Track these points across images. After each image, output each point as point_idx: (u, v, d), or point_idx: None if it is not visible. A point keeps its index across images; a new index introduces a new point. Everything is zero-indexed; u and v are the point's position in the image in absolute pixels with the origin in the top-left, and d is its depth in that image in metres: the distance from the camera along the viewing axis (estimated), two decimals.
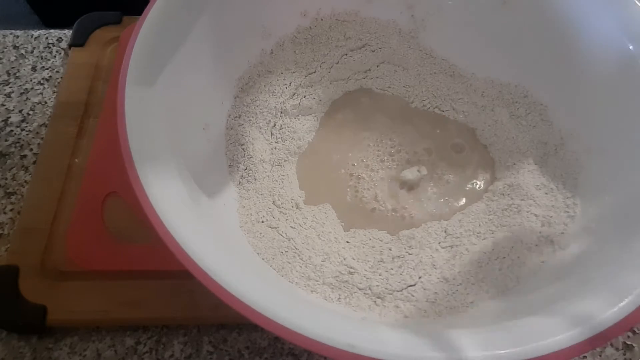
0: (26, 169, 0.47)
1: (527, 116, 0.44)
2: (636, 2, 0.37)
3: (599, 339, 0.25)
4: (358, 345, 0.23)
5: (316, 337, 0.24)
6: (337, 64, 0.48)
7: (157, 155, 0.31)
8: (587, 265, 0.32)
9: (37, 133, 0.49)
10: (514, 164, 0.42)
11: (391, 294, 0.34)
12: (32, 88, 0.52)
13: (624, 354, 0.39)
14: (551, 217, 0.37)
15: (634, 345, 0.39)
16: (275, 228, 0.38)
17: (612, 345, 0.39)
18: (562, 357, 0.24)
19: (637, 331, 0.40)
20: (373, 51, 0.49)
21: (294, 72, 0.47)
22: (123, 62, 0.33)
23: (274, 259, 0.35)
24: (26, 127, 0.49)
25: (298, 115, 0.46)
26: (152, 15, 0.36)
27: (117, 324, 0.39)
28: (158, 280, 0.39)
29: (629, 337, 0.40)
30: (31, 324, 0.38)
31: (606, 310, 0.26)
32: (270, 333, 0.39)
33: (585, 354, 0.39)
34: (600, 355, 0.39)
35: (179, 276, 0.39)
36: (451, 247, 0.38)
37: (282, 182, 0.41)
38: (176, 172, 0.32)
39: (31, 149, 0.48)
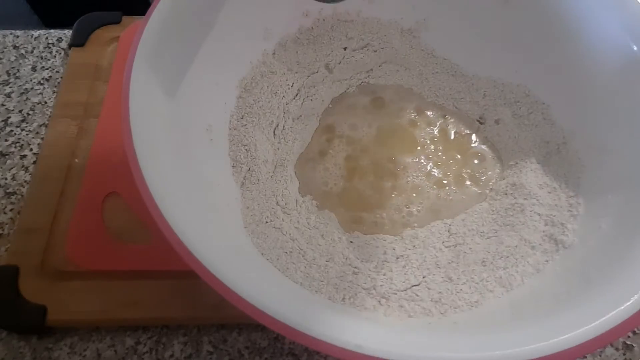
0: (26, 169, 0.47)
1: (529, 115, 0.44)
2: (639, 2, 0.37)
3: (603, 339, 0.25)
4: (365, 345, 0.23)
5: (323, 337, 0.24)
6: (339, 64, 0.48)
7: (161, 156, 0.31)
8: (591, 265, 0.32)
9: (37, 133, 0.49)
10: (517, 163, 0.43)
11: (395, 293, 0.34)
12: (32, 88, 0.52)
13: (624, 354, 0.39)
14: (554, 216, 0.37)
15: (634, 345, 0.39)
16: (279, 229, 0.38)
17: (612, 345, 0.40)
18: (565, 357, 0.24)
19: (637, 331, 0.40)
20: (375, 51, 0.49)
21: (296, 73, 0.47)
22: (127, 63, 0.33)
23: (278, 259, 0.35)
24: (26, 127, 0.49)
25: (301, 116, 0.46)
26: (155, 16, 0.36)
27: (117, 324, 0.39)
28: (158, 280, 0.39)
29: (629, 337, 0.40)
30: (31, 324, 0.38)
31: (610, 310, 0.26)
32: (271, 333, 0.39)
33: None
34: (600, 355, 0.39)
35: (179, 276, 0.39)
36: (455, 246, 0.38)
37: (286, 182, 0.41)
38: (180, 173, 0.32)
39: (31, 149, 0.48)
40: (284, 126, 0.44)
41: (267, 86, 0.45)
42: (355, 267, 0.36)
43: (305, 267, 0.35)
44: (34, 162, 0.47)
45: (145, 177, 0.28)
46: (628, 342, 0.40)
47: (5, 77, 0.53)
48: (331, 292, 0.33)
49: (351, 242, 0.38)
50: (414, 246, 0.38)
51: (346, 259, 0.36)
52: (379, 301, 0.34)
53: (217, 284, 0.25)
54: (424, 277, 0.36)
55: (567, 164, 0.40)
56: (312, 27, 0.48)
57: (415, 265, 0.36)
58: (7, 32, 0.56)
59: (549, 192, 0.39)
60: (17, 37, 0.56)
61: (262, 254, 0.35)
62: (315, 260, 0.36)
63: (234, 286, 0.25)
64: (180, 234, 0.27)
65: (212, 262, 0.26)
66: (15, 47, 0.55)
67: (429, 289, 0.35)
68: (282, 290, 0.32)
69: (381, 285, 0.35)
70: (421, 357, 0.24)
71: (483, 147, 0.45)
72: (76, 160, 0.46)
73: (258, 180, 0.40)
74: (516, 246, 0.36)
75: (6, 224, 0.44)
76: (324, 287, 0.34)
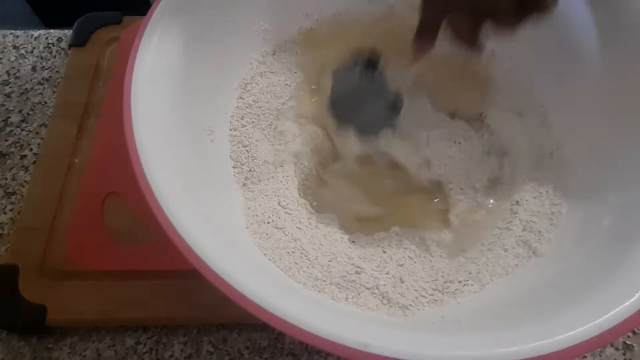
0: (26, 169, 0.47)
1: (527, 117, 0.44)
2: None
3: (603, 339, 0.25)
4: (372, 344, 0.23)
5: (330, 336, 0.24)
6: None
7: (163, 157, 0.31)
8: (591, 265, 0.32)
9: (37, 133, 0.49)
10: (512, 165, 0.42)
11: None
12: (32, 88, 0.52)
13: (624, 354, 0.39)
14: (534, 222, 0.37)
15: (634, 345, 0.40)
16: (282, 229, 0.37)
17: (612, 345, 0.40)
18: (565, 356, 0.24)
19: (637, 331, 0.40)
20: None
21: (295, 73, 0.47)
22: (128, 65, 0.33)
23: (280, 259, 0.35)
24: (26, 127, 0.49)
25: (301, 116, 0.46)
26: (155, 16, 0.36)
27: (117, 324, 0.39)
28: (158, 280, 0.40)
29: (628, 337, 0.40)
30: (31, 324, 0.38)
31: (610, 310, 0.26)
32: (271, 333, 0.39)
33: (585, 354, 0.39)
34: (600, 355, 0.39)
35: (178, 276, 0.39)
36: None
37: (287, 182, 0.41)
38: (182, 174, 0.32)
39: (31, 149, 0.48)
40: (284, 126, 0.44)
41: (267, 87, 0.45)
42: (358, 267, 0.36)
43: (307, 267, 0.35)
44: (34, 162, 0.47)
45: (148, 178, 0.29)
46: (628, 342, 0.40)
47: (5, 77, 0.53)
48: (334, 292, 0.33)
49: (353, 242, 0.38)
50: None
51: (349, 258, 0.36)
52: (382, 300, 0.34)
53: (222, 284, 0.25)
54: None
55: (558, 169, 0.40)
56: (311, 28, 0.48)
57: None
58: (7, 32, 0.56)
59: (535, 197, 0.39)
60: (17, 37, 0.56)
61: (265, 254, 0.35)
62: (317, 260, 0.36)
63: (239, 285, 0.25)
64: (184, 233, 0.27)
65: (216, 262, 0.26)
66: (15, 47, 0.55)
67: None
68: (286, 289, 0.32)
69: (384, 285, 0.35)
70: (427, 356, 0.24)
71: (481, 147, 0.45)
72: (76, 160, 0.46)
73: (259, 180, 0.40)
74: (514, 246, 0.36)
75: (6, 224, 0.44)
76: (326, 287, 0.34)
